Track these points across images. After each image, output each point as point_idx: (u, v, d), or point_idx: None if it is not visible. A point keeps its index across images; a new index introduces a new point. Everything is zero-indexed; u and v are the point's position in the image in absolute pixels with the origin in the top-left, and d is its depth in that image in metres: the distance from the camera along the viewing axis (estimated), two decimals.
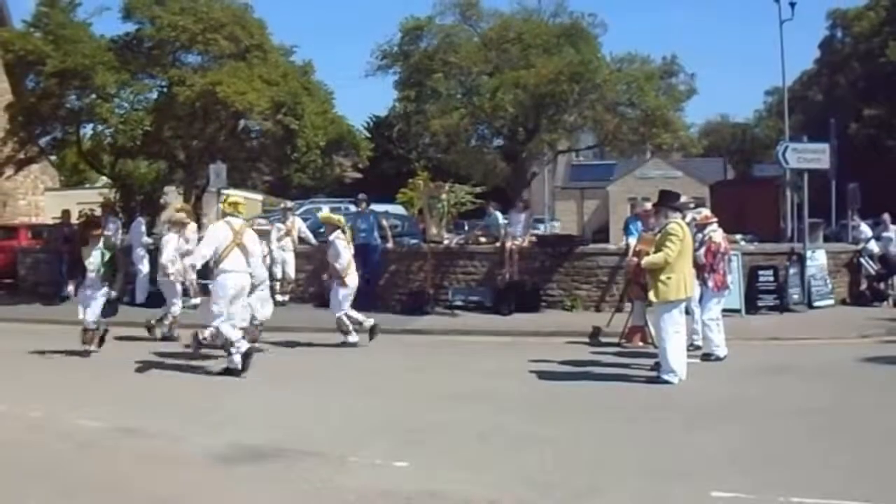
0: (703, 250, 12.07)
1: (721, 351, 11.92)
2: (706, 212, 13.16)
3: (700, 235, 12.26)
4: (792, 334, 14.39)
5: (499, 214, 17.94)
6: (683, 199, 12.08)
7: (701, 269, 11.92)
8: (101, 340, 13.02)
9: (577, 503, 6.08)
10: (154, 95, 23.80)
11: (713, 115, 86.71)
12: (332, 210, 24.35)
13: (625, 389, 10.21)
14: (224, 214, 12.51)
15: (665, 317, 10.40)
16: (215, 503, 6.27)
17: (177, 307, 14.25)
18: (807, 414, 8.77)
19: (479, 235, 18.42)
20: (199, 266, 11.77)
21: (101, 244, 12.61)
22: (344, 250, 13.27)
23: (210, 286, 11.67)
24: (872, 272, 18.37)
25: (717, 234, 12.45)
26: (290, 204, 20.37)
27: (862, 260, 18.47)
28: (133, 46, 23.56)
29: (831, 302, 17.70)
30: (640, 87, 26.73)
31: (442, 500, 6.14)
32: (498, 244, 17.57)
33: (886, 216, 19.76)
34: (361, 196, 18.87)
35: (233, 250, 11.26)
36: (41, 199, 32.18)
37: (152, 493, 6.46)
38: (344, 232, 13.53)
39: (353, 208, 21.35)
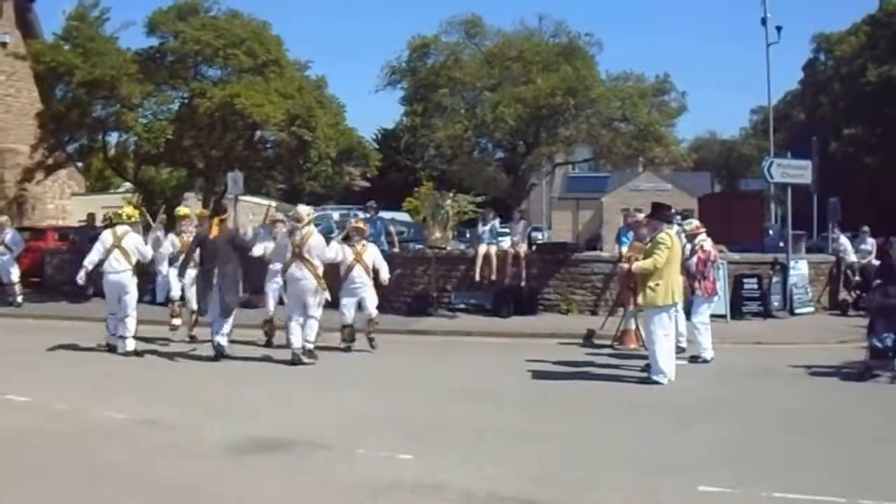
0: (694, 259, 12.09)
1: (708, 353, 11.93)
2: (696, 222, 13.17)
3: (690, 245, 12.29)
4: (775, 339, 14.40)
5: (487, 225, 17.76)
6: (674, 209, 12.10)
7: (692, 278, 11.95)
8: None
9: (572, 496, 6.09)
10: (176, 106, 23.86)
11: (702, 131, 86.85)
12: (342, 216, 24.42)
13: (617, 389, 10.23)
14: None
15: (654, 320, 10.42)
16: (231, 491, 6.28)
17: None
18: (788, 414, 8.80)
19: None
20: None
21: None
22: None
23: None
24: (853, 282, 18.35)
25: (706, 242, 12.49)
26: None
27: (845, 270, 18.47)
28: (157, 59, 23.61)
29: (811, 309, 17.70)
30: (633, 103, 26.72)
31: (444, 491, 6.15)
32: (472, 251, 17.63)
33: (866, 229, 19.78)
34: (370, 203, 18.91)
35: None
36: (68, 203, 32.15)
37: (171, 481, 6.49)
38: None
39: (361, 215, 21.35)
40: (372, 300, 13.08)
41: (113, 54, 22.35)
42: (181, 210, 14.78)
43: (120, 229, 12.81)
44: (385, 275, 13.24)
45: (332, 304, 12.92)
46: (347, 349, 13.04)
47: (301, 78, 25.28)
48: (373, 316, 13.09)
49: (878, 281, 11.48)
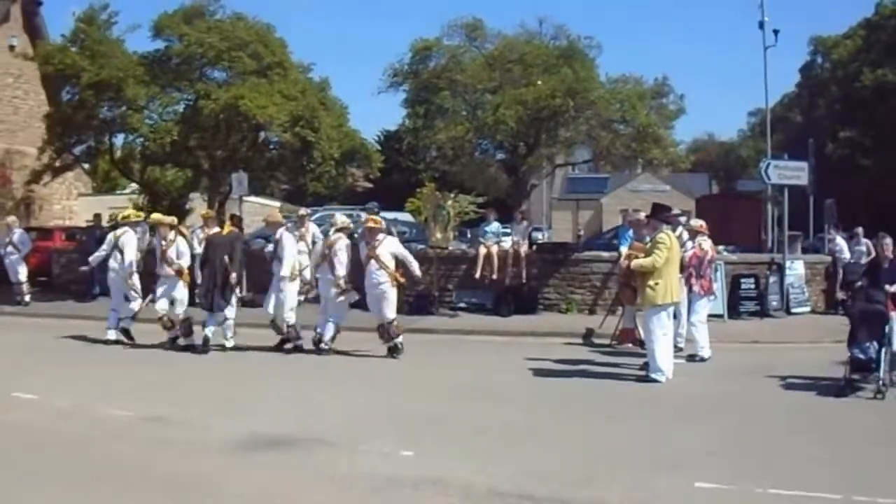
0: (689, 253, 12.10)
1: (705, 352, 11.94)
2: (702, 222, 13.17)
3: (690, 243, 12.31)
4: (771, 338, 14.39)
5: (493, 225, 17.79)
6: (676, 210, 12.08)
7: (686, 271, 11.92)
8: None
9: (571, 492, 6.08)
10: (181, 108, 23.83)
11: (700, 133, 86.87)
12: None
13: (616, 387, 10.23)
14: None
15: (653, 319, 10.43)
16: (234, 487, 6.28)
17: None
18: (785, 411, 8.80)
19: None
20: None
21: None
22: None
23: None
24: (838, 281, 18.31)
25: (706, 242, 12.52)
26: (305, 211, 20.31)
27: (840, 270, 18.45)
28: (162, 62, 23.60)
29: (808, 309, 17.69)
30: (632, 105, 26.70)
31: (445, 486, 6.16)
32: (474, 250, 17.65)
33: (860, 230, 19.79)
34: (372, 204, 18.93)
35: None
36: (74, 203, 32.13)
37: (175, 477, 6.50)
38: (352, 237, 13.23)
39: (364, 216, 21.35)
40: (386, 302, 12.23)
41: (119, 57, 22.35)
42: (155, 217, 14.49)
43: (119, 230, 13.78)
44: (415, 270, 12.71)
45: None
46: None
47: (304, 80, 25.25)
48: (384, 321, 12.29)
49: (859, 283, 10.63)
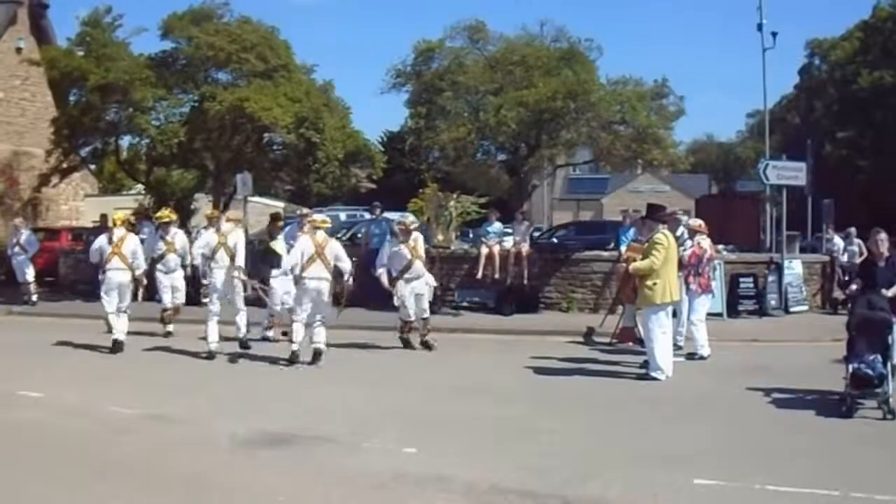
0: (689, 252, 12.10)
1: (705, 351, 11.93)
2: (700, 221, 13.17)
3: (689, 242, 12.30)
4: (770, 337, 14.37)
5: (496, 225, 17.79)
6: (676, 209, 12.06)
7: (685, 269, 11.90)
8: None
9: (572, 488, 6.07)
10: (186, 109, 23.82)
11: (700, 134, 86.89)
12: (349, 217, 24.42)
13: (616, 385, 10.22)
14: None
15: (652, 318, 10.42)
16: (239, 483, 6.28)
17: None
18: (783, 409, 8.78)
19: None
20: None
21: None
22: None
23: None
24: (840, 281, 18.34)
25: (705, 241, 12.51)
26: (306, 210, 20.27)
27: (837, 269, 18.47)
28: (168, 63, 23.59)
29: (806, 308, 17.69)
30: (632, 106, 26.63)
31: (448, 483, 6.15)
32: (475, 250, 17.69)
33: (852, 230, 19.78)
34: (375, 204, 18.96)
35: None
36: (81, 204, 32.14)
37: (179, 474, 6.50)
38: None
39: (367, 216, 21.38)
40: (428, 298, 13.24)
41: (126, 59, 22.32)
42: (164, 214, 14.98)
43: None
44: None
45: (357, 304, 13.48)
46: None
47: (308, 81, 25.21)
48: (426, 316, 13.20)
49: (853, 287, 9.53)
